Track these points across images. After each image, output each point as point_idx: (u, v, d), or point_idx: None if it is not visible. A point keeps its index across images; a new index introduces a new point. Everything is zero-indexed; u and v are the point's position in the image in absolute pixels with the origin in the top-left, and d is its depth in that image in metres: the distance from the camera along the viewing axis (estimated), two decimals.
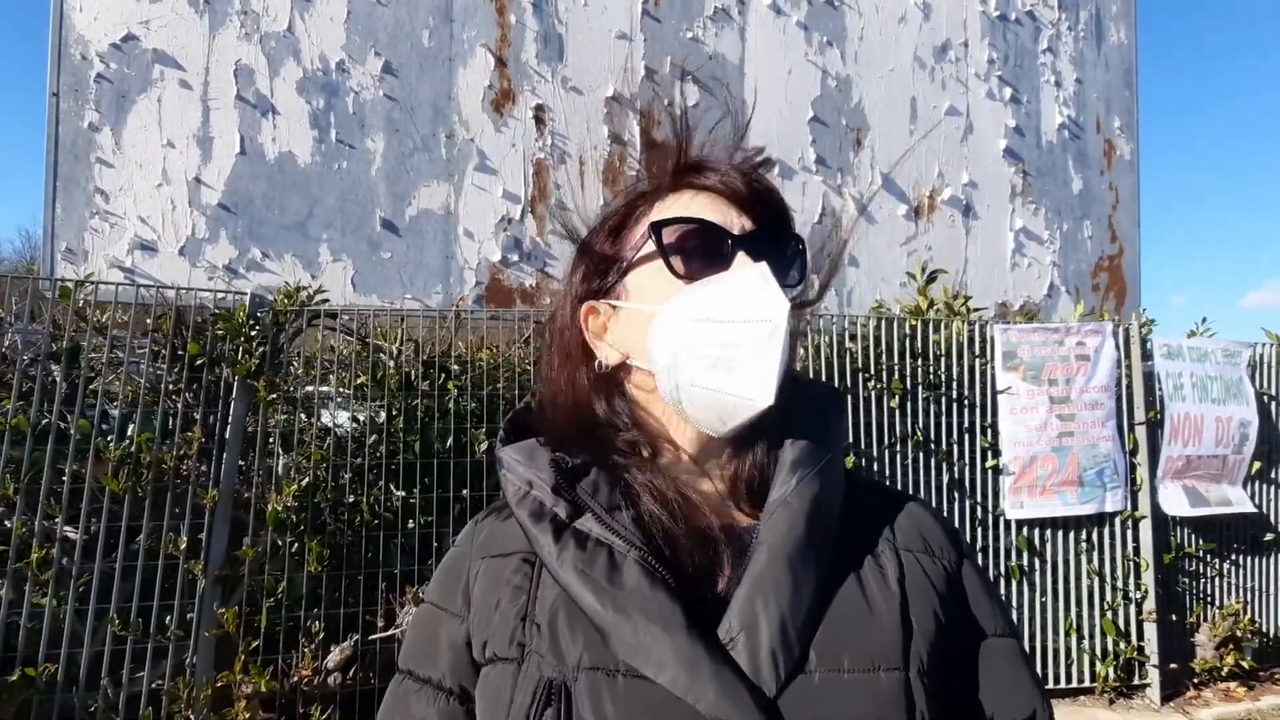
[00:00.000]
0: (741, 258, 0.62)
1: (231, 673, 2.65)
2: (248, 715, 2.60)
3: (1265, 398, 4.30)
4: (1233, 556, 4.16)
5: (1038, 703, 0.61)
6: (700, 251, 0.63)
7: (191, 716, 2.57)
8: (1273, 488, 4.28)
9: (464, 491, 3.10)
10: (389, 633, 2.93)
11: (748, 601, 0.56)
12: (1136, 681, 3.80)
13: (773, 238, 0.65)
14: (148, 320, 2.95)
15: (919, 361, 3.79)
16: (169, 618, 2.67)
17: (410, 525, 3.07)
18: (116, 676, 2.56)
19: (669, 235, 0.64)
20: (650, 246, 0.64)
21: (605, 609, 0.55)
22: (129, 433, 2.74)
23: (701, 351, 0.61)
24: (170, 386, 2.90)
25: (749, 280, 0.61)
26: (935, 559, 0.64)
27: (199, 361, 2.94)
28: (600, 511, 0.60)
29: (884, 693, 0.54)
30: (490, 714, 0.57)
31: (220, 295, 3.10)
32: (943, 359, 3.85)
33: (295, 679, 2.73)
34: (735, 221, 0.64)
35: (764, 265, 0.61)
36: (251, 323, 3.02)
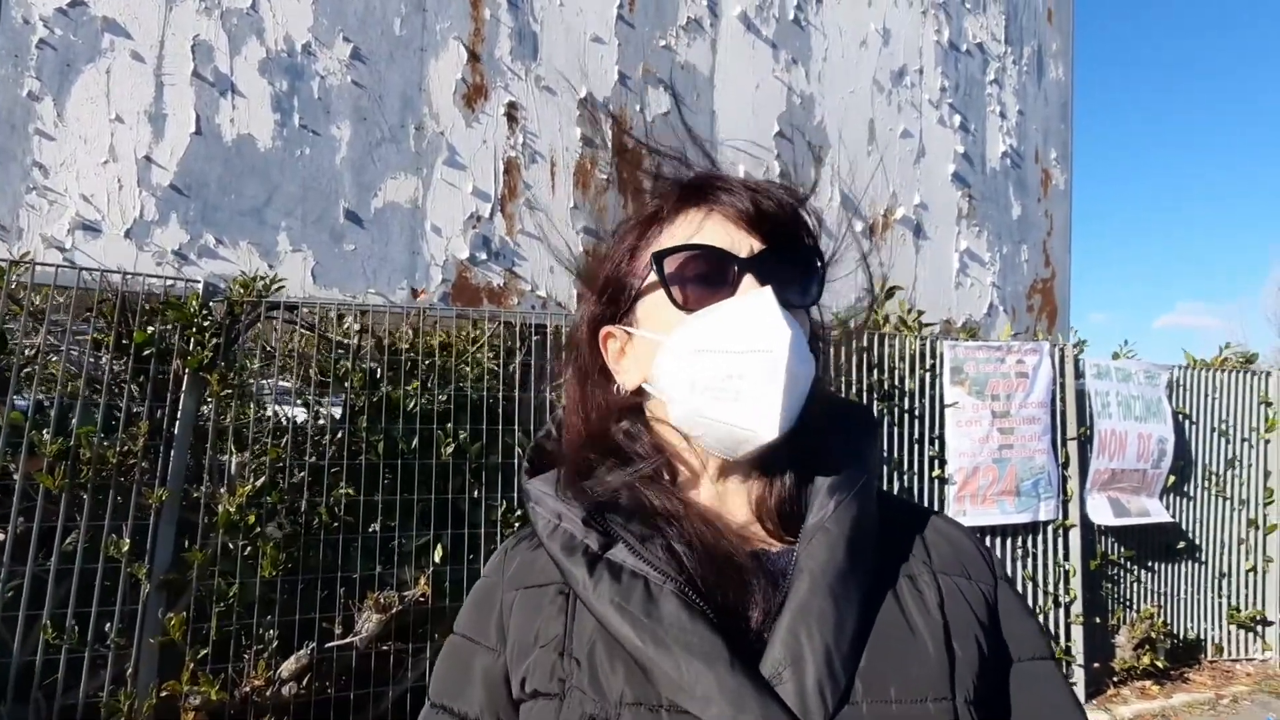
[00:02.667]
0: (748, 281, 0.61)
1: (177, 683, 2.50)
2: None
3: (1180, 416, 4.65)
4: (1149, 563, 4.47)
5: None
6: (703, 279, 0.62)
7: None
8: (1185, 500, 4.63)
9: (428, 495, 3.02)
10: (347, 640, 2.83)
11: (791, 633, 0.54)
12: None
13: (786, 256, 0.64)
14: (88, 306, 2.75)
15: (874, 375, 3.92)
16: (109, 624, 2.50)
17: (371, 529, 2.97)
18: (49, 687, 2.38)
19: (671, 264, 0.63)
20: (655, 275, 0.63)
21: (645, 643, 0.53)
22: (69, 426, 2.55)
23: (705, 383, 0.60)
24: (114, 377, 2.72)
25: (748, 308, 0.60)
26: (973, 582, 0.64)
27: (146, 352, 2.77)
28: (633, 542, 0.59)
29: None
30: None
31: (170, 282, 2.93)
32: (896, 372, 4.00)
33: (246, 689, 2.60)
34: (744, 243, 0.62)
35: (767, 291, 0.60)
36: (204, 312, 2.87)
